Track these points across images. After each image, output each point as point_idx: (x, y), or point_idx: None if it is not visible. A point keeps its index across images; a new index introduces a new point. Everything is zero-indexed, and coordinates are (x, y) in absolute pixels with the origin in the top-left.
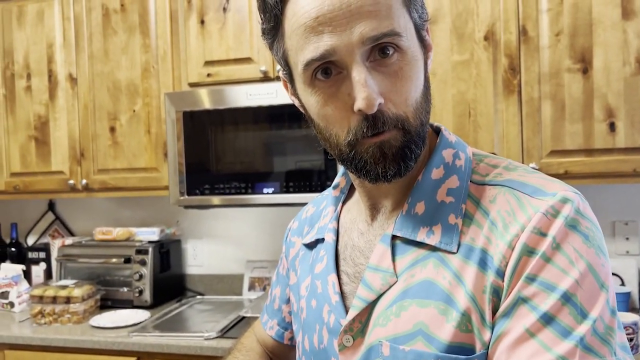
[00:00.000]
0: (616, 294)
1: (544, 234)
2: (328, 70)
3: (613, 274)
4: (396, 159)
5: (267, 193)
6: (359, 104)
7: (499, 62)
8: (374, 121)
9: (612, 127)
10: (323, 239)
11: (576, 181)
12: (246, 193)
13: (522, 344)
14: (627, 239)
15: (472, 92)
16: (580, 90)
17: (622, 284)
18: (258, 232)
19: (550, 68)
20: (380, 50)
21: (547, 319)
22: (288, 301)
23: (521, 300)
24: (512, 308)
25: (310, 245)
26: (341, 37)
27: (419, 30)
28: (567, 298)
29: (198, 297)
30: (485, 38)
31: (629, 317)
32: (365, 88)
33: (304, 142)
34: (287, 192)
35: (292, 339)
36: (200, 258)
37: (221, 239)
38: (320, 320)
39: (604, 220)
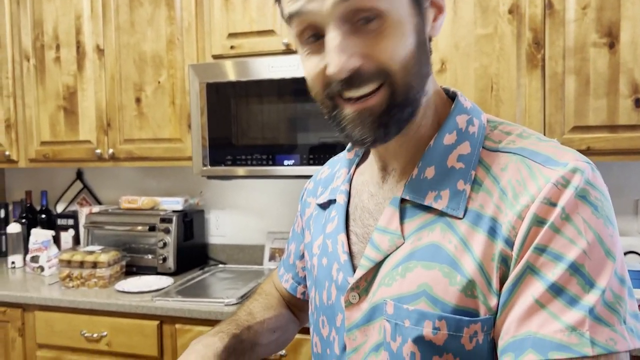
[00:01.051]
0: (636, 271)
1: (553, 204)
2: (318, 35)
3: (633, 252)
4: (375, 125)
5: (288, 165)
6: (329, 69)
7: (523, 36)
8: (349, 81)
9: (637, 103)
10: (335, 200)
11: (598, 158)
12: (268, 165)
13: (532, 315)
14: None
15: (495, 66)
16: (606, 65)
17: None
18: (279, 204)
19: (575, 42)
20: (359, 19)
21: (556, 290)
22: (302, 257)
23: (530, 270)
24: (521, 277)
25: (324, 206)
26: (316, 3)
27: None
28: (575, 268)
29: (220, 265)
30: (510, 11)
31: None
32: (334, 54)
33: (320, 116)
34: (308, 164)
35: (304, 293)
36: (222, 228)
37: (243, 210)
38: (330, 278)
39: (627, 199)
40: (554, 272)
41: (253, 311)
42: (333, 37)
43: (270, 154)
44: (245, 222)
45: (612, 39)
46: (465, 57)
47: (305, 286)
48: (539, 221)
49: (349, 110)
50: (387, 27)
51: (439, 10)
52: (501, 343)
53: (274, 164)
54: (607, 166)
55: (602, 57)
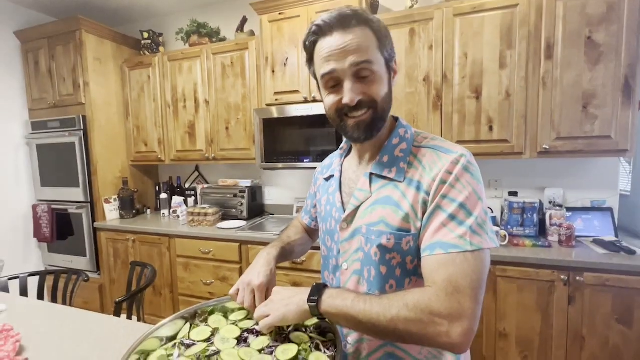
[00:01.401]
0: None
1: (450, 173)
2: (334, 85)
3: (488, 207)
4: (365, 130)
5: (306, 162)
6: (345, 99)
7: (430, 93)
8: (355, 107)
9: (490, 128)
10: (333, 175)
11: None
12: (295, 162)
13: (439, 230)
14: (496, 189)
15: (415, 110)
16: (474, 108)
17: (492, 212)
18: (300, 183)
19: (458, 96)
20: (362, 75)
21: (451, 217)
22: (314, 207)
23: (438, 207)
24: (433, 212)
25: (327, 179)
26: (339, 63)
27: (388, 62)
28: (462, 206)
29: (270, 215)
30: (424, 79)
31: (494, 229)
32: (349, 92)
33: (326, 136)
34: (316, 161)
35: (315, 225)
36: (271, 195)
37: (281, 186)
38: (331, 216)
39: (485, 179)
40: (450, 208)
41: (290, 235)
42: (348, 83)
43: (296, 156)
44: (282, 193)
45: (478, 94)
46: (399, 104)
47: (316, 221)
48: (442, 181)
49: (351, 122)
50: (375, 80)
51: (395, 72)
52: (422, 247)
53: (298, 162)
54: (476, 162)
55: (472, 104)
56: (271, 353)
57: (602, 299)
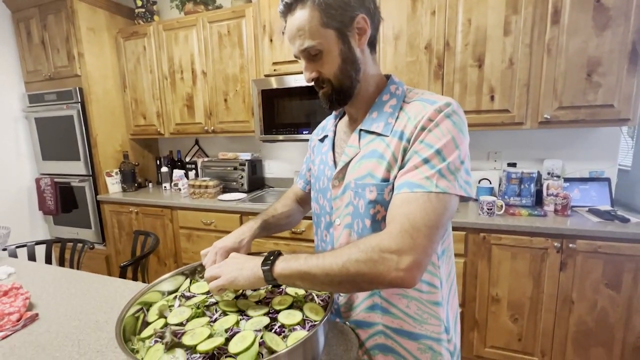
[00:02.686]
0: (485, 187)
1: (431, 120)
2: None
3: (485, 178)
4: (330, 101)
5: (305, 133)
6: (305, 78)
7: (432, 61)
8: (316, 82)
9: (492, 98)
10: (327, 136)
11: (471, 128)
12: (294, 133)
13: (409, 172)
14: (495, 161)
15: (417, 79)
16: (476, 77)
17: (490, 184)
18: (300, 155)
19: (460, 65)
20: (312, 54)
21: (425, 160)
22: (309, 170)
23: (414, 152)
24: (410, 156)
25: (322, 140)
26: (293, 47)
27: (342, 30)
28: (437, 152)
29: (270, 188)
30: (425, 47)
31: (490, 198)
32: (304, 71)
33: (323, 107)
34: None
35: (309, 189)
36: (271, 168)
37: (281, 159)
38: (324, 174)
39: (484, 150)
40: (426, 152)
41: (277, 207)
42: (303, 63)
43: (295, 127)
44: (282, 166)
45: (480, 63)
46: (400, 73)
47: (310, 185)
48: (422, 128)
49: (319, 94)
50: (324, 59)
51: (363, 32)
52: (395, 188)
53: (297, 133)
54: (476, 133)
55: (474, 73)
56: (267, 304)
57: (593, 265)
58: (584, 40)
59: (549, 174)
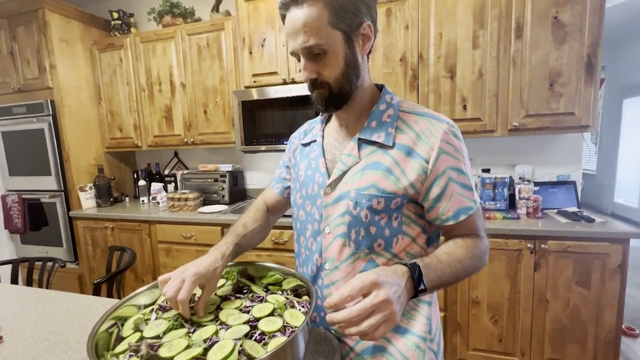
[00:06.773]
0: None
1: (449, 143)
2: (300, 59)
3: None
4: (326, 104)
5: (286, 143)
6: (302, 77)
7: (407, 73)
8: (313, 83)
9: (464, 107)
10: (315, 140)
11: None
12: (274, 144)
13: (456, 199)
14: (471, 167)
15: (394, 89)
16: (449, 88)
17: None
18: None
19: (434, 76)
20: (314, 52)
21: (461, 185)
22: (288, 173)
23: (449, 179)
24: (447, 183)
25: (305, 145)
26: (295, 43)
27: (349, 33)
28: (464, 173)
29: (252, 199)
30: (401, 60)
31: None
32: (303, 71)
33: (306, 116)
34: None
35: (288, 194)
36: (253, 179)
37: (263, 170)
38: (314, 180)
39: None
40: (459, 178)
41: (246, 223)
42: (302, 61)
43: (275, 138)
44: (264, 176)
45: (452, 74)
46: None
47: (289, 189)
48: (444, 152)
49: (314, 95)
50: (326, 60)
51: (367, 38)
52: (444, 216)
53: (278, 143)
54: None
55: (447, 83)
56: (248, 312)
57: (563, 264)
58: (545, 53)
59: (520, 178)
